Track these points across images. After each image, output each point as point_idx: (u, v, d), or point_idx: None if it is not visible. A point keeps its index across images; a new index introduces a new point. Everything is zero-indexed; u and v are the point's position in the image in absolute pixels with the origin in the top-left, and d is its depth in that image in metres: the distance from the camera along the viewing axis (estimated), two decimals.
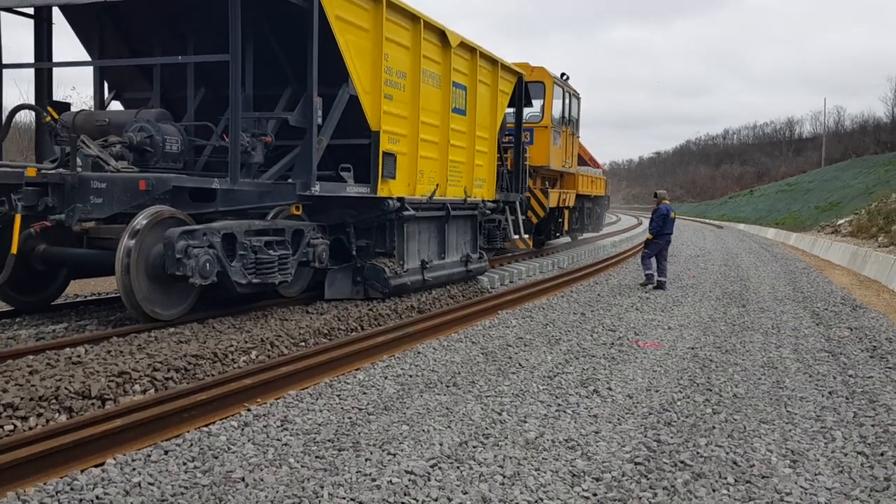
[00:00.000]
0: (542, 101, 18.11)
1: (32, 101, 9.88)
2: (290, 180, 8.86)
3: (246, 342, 6.94)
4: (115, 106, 10.75)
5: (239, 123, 8.19)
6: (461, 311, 9.57)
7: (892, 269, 15.54)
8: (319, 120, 8.81)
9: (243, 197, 8.32)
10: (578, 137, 22.13)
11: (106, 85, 10.60)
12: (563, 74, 19.65)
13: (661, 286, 13.56)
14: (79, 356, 6.17)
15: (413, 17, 10.28)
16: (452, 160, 11.75)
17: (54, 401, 5.11)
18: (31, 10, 9.53)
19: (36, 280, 8.43)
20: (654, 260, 13.78)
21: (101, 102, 10.50)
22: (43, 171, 7.56)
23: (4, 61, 9.42)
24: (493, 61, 13.10)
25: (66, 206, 7.43)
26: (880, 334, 9.23)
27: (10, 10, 9.22)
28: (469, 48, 12.06)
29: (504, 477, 4.37)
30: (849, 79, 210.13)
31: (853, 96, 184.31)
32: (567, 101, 19.99)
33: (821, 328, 9.71)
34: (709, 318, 10.38)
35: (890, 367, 7.41)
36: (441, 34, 11.10)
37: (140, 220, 7.33)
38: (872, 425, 5.50)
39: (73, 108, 9.90)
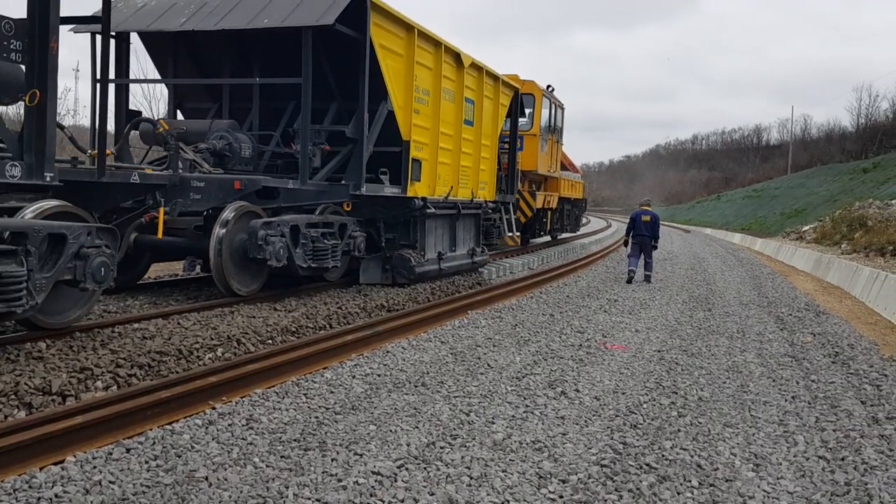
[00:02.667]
0: (531, 110, 19.79)
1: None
2: (343, 182, 10.42)
3: (212, 339, 6.85)
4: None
5: (308, 135, 9.87)
6: (431, 311, 9.55)
7: (854, 276, 15.83)
8: (367, 132, 10.39)
9: (303, 195, 9.93)
10: (562, 144, 23.83)
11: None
12: (549, 86, 21.05)
13: (646, 279, 15.36)
14: (39, 351, 6.05)
15: (436, 43, 11.83)
16: (463, 165, 13.37)
17: (13, 396, 4.99)
18: (113, 32, 10.41)
19: (127, 262, 9.30)
20: (639, 258, 15.46)
21: (173, 113, 12.14)
22: (154, 173, 8.73)
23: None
24: (495, 78, 14.67)
25: (169, 201, 8.64)
26: (842, 340, 9.39)
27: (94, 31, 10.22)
28: (477, 67, 13.70)
29: (471, 478, 4.36)
30: (804, 86, 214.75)
31: (809, 103, 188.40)
32: (553, 111, 21.84)
33: (785, 333, 9.85)
34: (675, 321, 10.48)
35: (851, 373, 7.54)
36: (456, 56, 12.69)
37: (228, 214, 8.84)
38: (834, 430, 5.58)
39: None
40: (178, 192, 8.65)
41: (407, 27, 10.96)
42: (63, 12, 6.25)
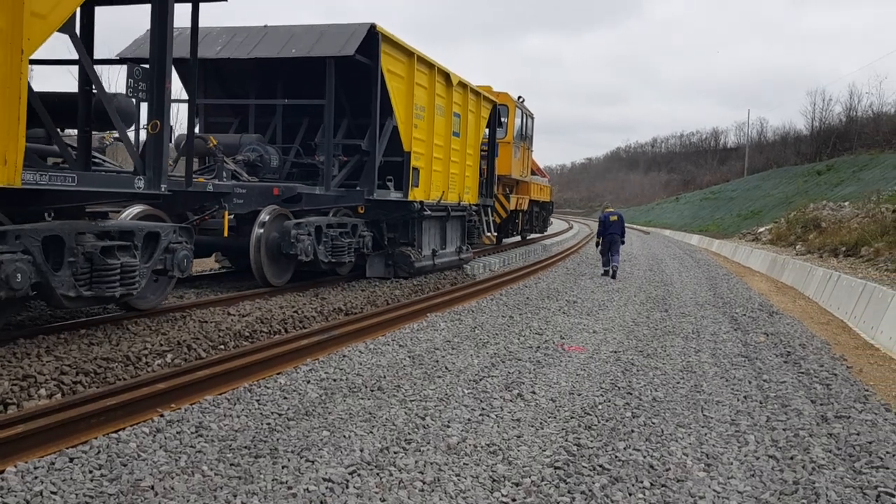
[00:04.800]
0: (506, 120, 21.64)
1: None
2: (357, 188, 12.02)
3: (161, 345, 6.71)
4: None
5: (331, 148, 11.58)
6: (390, 314, 9.49)
7: (808, 277, 16.14)
8: (378, 145, 11.97)
9: (322, 199, 11.40)
10: (532, 151, 25.76)
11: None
12: (520, 97, 22.82)
13: (613, 274, 16.87)
14: None
15: (430, 65, 13.41)
16: (452, 172, 14.96)
17: None
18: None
19: None
20: (608, 255, 17.13)
21: (203, 129, 13.37)
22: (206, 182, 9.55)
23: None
24: (477, 93, 16.44)
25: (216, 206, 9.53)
26: (794, 340, 9.55)
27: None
28: (463, 85, 15.33)
29: (424, 483, 4.32)
30: (755, 90, 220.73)
31: (761, 106, 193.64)
32: (524, 120, 23.82)
33: (738, 333, 9.98)
34: (632, 322, 10.57)
35: (802, 373, 7.66)
36: (446, 76, 14.26)
37: (264, 216, 10.26)
38: (784, 429, 5.65)
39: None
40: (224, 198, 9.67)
41: (408, 53, 12.54)
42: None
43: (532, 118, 25.15)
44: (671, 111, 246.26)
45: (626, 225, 18.02)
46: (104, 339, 6.84)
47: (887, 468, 4.85)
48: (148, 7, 7.29)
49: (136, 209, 7.76)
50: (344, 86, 12.27)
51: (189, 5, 7.76)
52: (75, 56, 7.00)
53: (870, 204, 27.33)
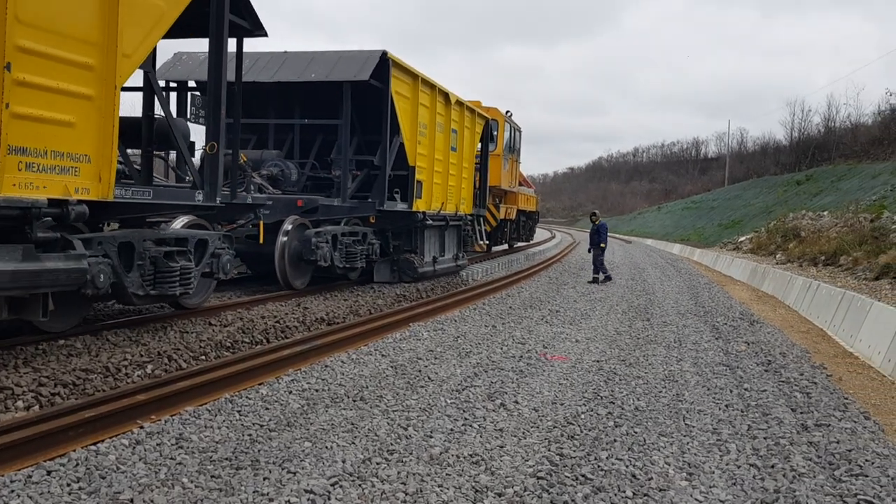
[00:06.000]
0: (496, 133, 22.89)
1: None
2: (369, 199, 13.14)
3: (141, 355, 6.65)
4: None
5: (347, 164, 12.88)
6: (372, 324, 9.46)
7: (788, 286, 16.28)
8: (388, 160, 13.16)
9: (337, 210, 12.55)
10: (520, 163, 26.95)
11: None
12: (508, 112, 24.13)
13: (597, 281, 17.99)
14: None
15: (431, 86, 14.48)
16: (450, 185, 16.01)
17: None
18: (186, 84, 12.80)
19: None
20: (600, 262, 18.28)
21: (225, 145, 14.33)
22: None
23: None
24: (472, 111, 17.60)
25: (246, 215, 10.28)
26: (774, 349, 9.61)
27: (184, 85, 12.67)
28: (460, 103, 16.42)
29: (406, 494, 4.30)
30: (730, 100, 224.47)
31: (739, 116, 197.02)
32: (512, 134, 25.16)
33: (720, 342, 10.04)
34: (615, 331, 10.60)
35: (782, 381, 7.71)
36: (445, 95, 15.28)
37: (287, 225, 11.46)
38: (765, 438, 5.69)
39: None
40: (258, 209, 10.22)
41: (413, 75, 13.53)
42: None
43: (520, 132, 26.52)
44: (651, 121, 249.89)
45: (610, 234, 18.72)
46: (83, 350, 6.77)
47: (867, 476, 4.89)
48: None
49: (185, 219, 8.46)
50: (356, 106, 13.15)
51: (234, 39, 8.80)
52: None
53: (848, 213, 27.64)
